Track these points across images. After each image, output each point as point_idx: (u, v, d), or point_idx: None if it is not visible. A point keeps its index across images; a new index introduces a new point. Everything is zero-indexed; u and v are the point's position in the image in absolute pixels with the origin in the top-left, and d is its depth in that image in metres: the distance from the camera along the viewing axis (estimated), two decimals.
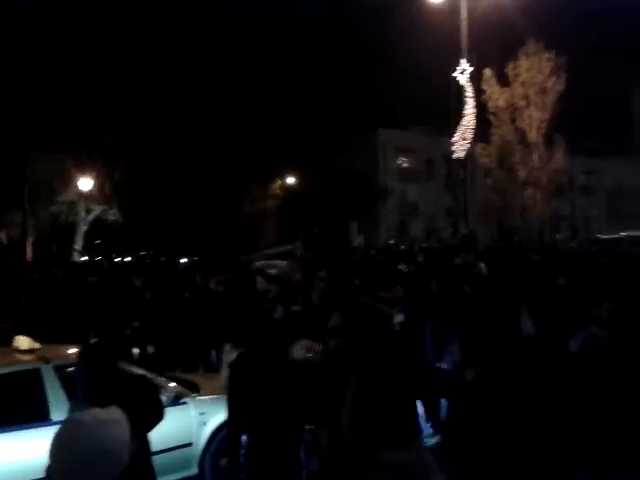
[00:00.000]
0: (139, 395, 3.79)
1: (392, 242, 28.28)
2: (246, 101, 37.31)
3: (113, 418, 1.72)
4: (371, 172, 42.86)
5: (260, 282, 9.42)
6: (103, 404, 3.60)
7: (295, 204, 36.39)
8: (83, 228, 29.07)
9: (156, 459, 3.92)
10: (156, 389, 4.31)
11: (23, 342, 5.51)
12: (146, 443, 3.71)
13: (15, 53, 26.62)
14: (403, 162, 48.79)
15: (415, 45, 32.38)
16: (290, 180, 39.36)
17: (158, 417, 3.87)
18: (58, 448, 1.64)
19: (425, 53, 32.12)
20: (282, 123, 38.07)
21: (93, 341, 4.43)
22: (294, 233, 36.53)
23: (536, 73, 29.28)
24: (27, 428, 4.92)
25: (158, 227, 30.89)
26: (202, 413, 5.70)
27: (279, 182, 39.44)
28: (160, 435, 3.96)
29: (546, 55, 29.18)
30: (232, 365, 4.18)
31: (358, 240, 35.97)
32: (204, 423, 5.69)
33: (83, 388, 3.82)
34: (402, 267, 10.66)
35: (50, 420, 4.92)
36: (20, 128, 25.79)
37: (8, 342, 6.28)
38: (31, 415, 5.04)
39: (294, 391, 3.75)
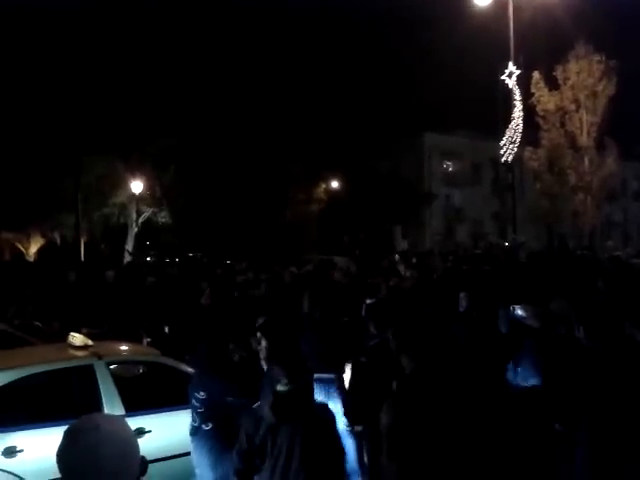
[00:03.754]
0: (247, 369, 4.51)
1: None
2: (293, 105, 37.60)
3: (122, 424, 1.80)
4: (416, 176, 42.61)
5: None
6: (224, 374, 4.41)
7: (339, 208, 36.43)
8: (134, 230, 29.82)
9: None
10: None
11: (77, 339, 5.71)
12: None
13: (68, 59, 27.49)
14: (449, 166, 48.33)
15: (462, 48, 32.08)
16: (334, 184, 39.41)
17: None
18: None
19: (472, 56, 31.85)
20: (328, 127, 38.18)
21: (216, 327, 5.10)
22: (338, 238, 36.60)
23: (586, 76, 28.57)
24: None
25: (206, 230, 31.38)
26: None
27: (323, 186, 39.55)
28: None
29: (596, 58, 28.47)
30: None
31: (403, 245, 35.78)
32: None
33: (204, 363, 4.60)
34: None
35: None
36: (73, 133, 26.63)
37: (59, 339, 6.57)
38: (84, 409, 5.05)
39: None
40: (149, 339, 7.95)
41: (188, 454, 5.20)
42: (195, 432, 4.55)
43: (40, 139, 26.78)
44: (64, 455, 1.68)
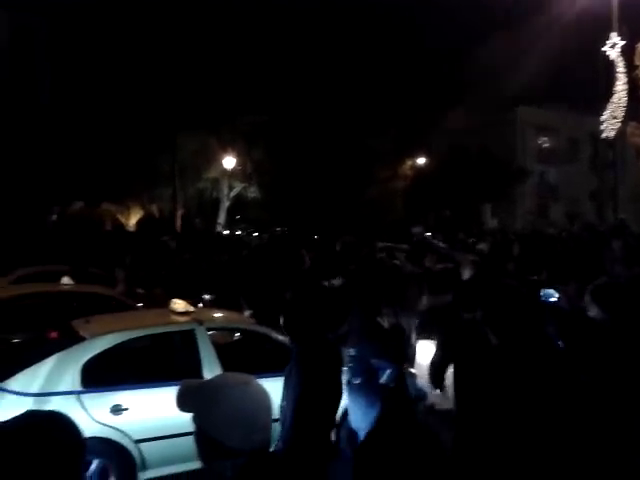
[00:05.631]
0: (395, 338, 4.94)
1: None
2: (381, 80, 37.16)
3: (254, 382, 1.88)
4: (508, 152, 41.09)
5: None
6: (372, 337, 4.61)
7: (425, 185, 35.80)
8: (226, 204, 30.81)
9: None
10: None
11: (179, 305, 5.99)
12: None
13: (164, 42, 28.51)
14: (544, 142, 46.32)
15: (561, 16, 30.41)
16: (421, 161, 38.70)
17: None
18: (212, 401, 1.78)
19: (572, 25, 30.09)
20: (415, 103, 37.46)
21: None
22: (423, 215, 36.07)
23: None
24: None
25: (293, 205, 31.86)
26: None
27: (410, 163, 38.97)
28: None
29: None
30: None
31: (492, 224, 34.89)
32: None
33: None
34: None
35: (202, 378, 5.32)
36: (169, 111, 27.66)
37: (160, 305, 6.92)
38: (185, 372, 5.28)
39: None
40: (250, 310, 8.20)
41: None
42: (347, 384, 4.98)
43: (139, 118, 28.07)
44: (214, 410, 1.76)
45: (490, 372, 2.99)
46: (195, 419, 1.81)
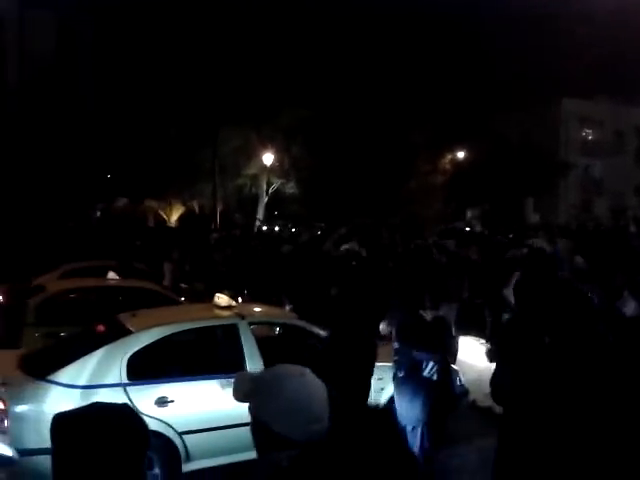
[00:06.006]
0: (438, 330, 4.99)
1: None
2: (421, 73, 36.70)
3: (309, 373, 1.88)
4: (551, 145, 40.20)
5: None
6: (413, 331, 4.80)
7: (465, 179, 35.26)
8: (264, 200, 31.01)
9: None
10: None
11: (222, 299, 6.06)
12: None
13: (205, 37, 28.76)
14: (588, 134, 45.17)
15: (605, 6, 29.55)
16: (461, 154, 38.12)
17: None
18: (269, 392, 1.79)
19: (616, 15, 29.24)
20: (457, 94, 36.84)
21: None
22: (461, 209, 35.57)
23: None
24: (224, 377, 5.20)
25: (331, 200, 31.80)
26: (380, 379, 5.86)
27: (449, 157, 38.43)
28: None
29: None
30: None
31: (534, 218, 34.27)
32: (382, 389, 5.88)
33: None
34: None
35: (245, 371, 5.33)
36: (210, 108, 27.93)
37: (201, 299, 7.01)
38: (228, 365, 5.39)
39: None
40: (291, 305, 8.27)
41: None
42: (394, 377, 5.15)
43: (180, 115, 28.46)
44: (270, 400, 1.78)
45: (543, 371, 2.93)
46: (251, 410, 1.83)
